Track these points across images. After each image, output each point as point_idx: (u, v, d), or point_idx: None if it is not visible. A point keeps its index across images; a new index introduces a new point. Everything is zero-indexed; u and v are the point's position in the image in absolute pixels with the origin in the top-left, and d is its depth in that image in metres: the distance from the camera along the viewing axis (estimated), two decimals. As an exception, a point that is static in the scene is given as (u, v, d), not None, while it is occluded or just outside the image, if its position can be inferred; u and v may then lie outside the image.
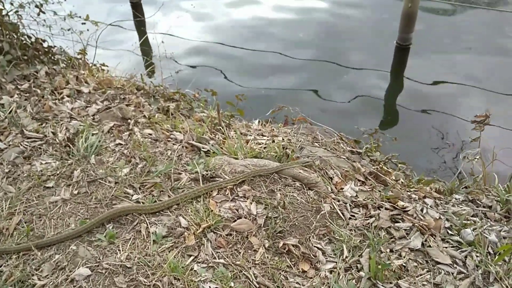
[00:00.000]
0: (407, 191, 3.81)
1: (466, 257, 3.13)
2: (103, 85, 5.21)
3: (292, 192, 3.57)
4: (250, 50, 9.21)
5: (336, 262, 3.04)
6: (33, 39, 5.95)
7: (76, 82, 5.24)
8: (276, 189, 3.59)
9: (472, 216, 3.59)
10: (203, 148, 4.04)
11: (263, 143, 4.27)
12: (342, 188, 3.69)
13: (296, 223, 3.33)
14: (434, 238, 3.30)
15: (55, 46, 6.46)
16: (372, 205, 3.51)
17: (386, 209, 3.48)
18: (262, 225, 3.26)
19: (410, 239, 3.23)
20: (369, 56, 9.02)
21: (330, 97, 7.76)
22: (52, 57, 5.87)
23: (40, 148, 4.08)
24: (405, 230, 3.33)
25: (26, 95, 4.85)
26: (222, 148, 4.08)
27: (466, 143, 5.89)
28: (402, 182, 4.06)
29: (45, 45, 6.02)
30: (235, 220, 3.28)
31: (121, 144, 4.10)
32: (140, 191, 3.59)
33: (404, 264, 3.02)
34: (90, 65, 6.17)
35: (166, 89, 5.09)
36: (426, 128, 7.07)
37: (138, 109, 4.70)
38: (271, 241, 3.16)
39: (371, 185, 3.72)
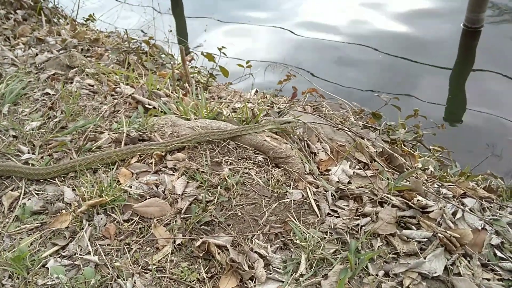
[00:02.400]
0: (437, 184, 2.42)
1: (525, 301, 1.73)
2: (78, 38, 4.31)
3: (249, 169, 2.34)
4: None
5: (283, 282, 1.77)
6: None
7: (47, 33, 4.39)
8: (226, 162, 2.38)
9: (544, 233, 2.13)
10: (149, 104, 2.92)
11: (238, 108, 3.08)
12: (328, 170, 2.39)
13: (239, 214, 2.10)
14: (469, 262, 1.91)
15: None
16: (369, 197, 2.17)
17: (394, 206, 2.13)
18: (183, 211, 2.07)
19: (425, 258, 1.88)
20: (428, 40, 7.33)
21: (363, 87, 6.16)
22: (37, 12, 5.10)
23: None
24: (419, 242, 1.98)
25: (-22, 40, 4.06)
26: (178, 108, 2.94)
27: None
28: (431, 172, 2.65)
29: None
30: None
31: (49, 94, 3.11)
32: (40, 150, 2.55)
33: (402, 301, 1.68)
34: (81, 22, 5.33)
35: (139, 42, 4.04)
36: (495, 130, 5.34)
37: (96, 60, 3.71)
38: (188, 236, 1.96)
39: (377, 169, 2.38)
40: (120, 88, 3.16)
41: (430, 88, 6.04)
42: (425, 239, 1.98)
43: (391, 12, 8.19)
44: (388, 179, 2.29)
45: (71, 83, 3.25)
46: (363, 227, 2.03)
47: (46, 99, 3.05)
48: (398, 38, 7.40)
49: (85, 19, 5.85)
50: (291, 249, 1.94)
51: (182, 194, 2.17)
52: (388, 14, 8.13)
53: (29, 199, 2.18)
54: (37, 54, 3.79)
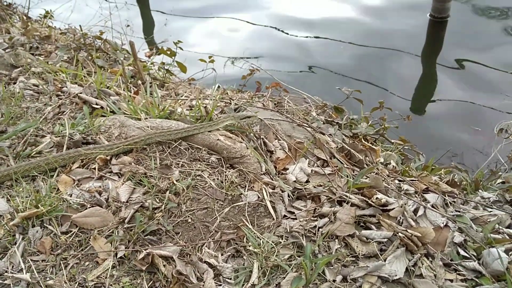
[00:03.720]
0: (398, 180, 2.32)
1: (488, 301, 1.65)
2: (27, 35, 4.05)
3: (201, 170, 2.19)
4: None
5: (233, 294, 1.64)
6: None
7: (-6, 31, 4.12)
8: (177, 164, 2.22)
9: (508, 228, 2.06)
10: (96, 104, 2.73)
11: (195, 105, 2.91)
12: (285, 169, 2.26)
13: (189, 220, 1.95)
14: (431, 262, 1.82)
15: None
16: (328, 197, 2.06)
17: (353, 205, 2.03)
18: (127, 220, 1.91)
19: (385, 260, 1.77)
20: (395, 32, 7.24)
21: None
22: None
23: None
24: (379, 243, 1.88)
25: None
26: (129, 107, 2.75)
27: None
28: (393, 167, 2.56)
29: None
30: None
31: (-12, 96, 2.88)
32: (-26, 159, 2.34)
33: (360, 309, 1.57)
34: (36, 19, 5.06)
35: (87, 36, 3.81)
36: (462, 119, 5.30)
37: (45, 58, 3.49)
38: (131, 248, 1.80)
39: (336, 166, 2.27)
40: (67, 87, 2.95)
41: (396, 79, 6.00)
42: (385, 240, 1.88)
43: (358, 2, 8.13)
44: (347, 176, 2.18)
45: (15, 83, 3.02)
46: (321, 229, 1.91)
47: (-15, 102, 2.82)
48: (365, 29, 7.34)
49: (41, 16, 5.56)
50: (244, 257, 1.80)
51: (127, 202, 2.01)
52: (354, 5, 8.06)
53: (-42, 212, 1.98)
54: (-22, 54, 3.53)
